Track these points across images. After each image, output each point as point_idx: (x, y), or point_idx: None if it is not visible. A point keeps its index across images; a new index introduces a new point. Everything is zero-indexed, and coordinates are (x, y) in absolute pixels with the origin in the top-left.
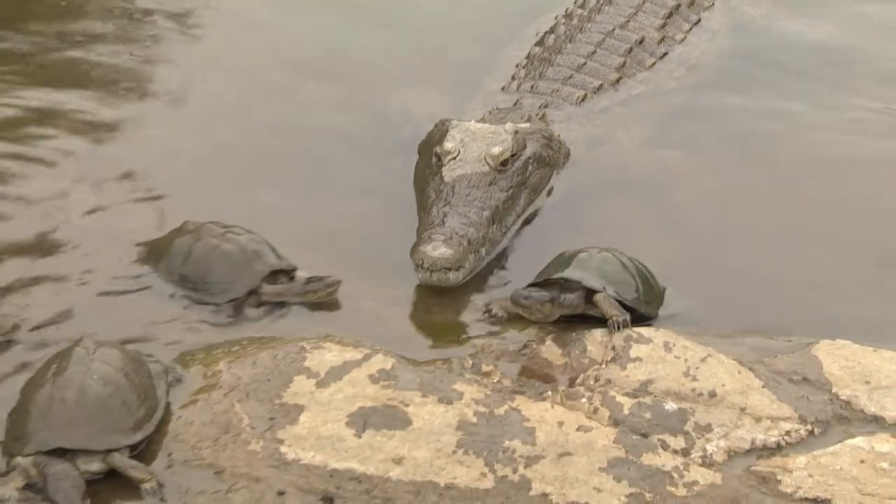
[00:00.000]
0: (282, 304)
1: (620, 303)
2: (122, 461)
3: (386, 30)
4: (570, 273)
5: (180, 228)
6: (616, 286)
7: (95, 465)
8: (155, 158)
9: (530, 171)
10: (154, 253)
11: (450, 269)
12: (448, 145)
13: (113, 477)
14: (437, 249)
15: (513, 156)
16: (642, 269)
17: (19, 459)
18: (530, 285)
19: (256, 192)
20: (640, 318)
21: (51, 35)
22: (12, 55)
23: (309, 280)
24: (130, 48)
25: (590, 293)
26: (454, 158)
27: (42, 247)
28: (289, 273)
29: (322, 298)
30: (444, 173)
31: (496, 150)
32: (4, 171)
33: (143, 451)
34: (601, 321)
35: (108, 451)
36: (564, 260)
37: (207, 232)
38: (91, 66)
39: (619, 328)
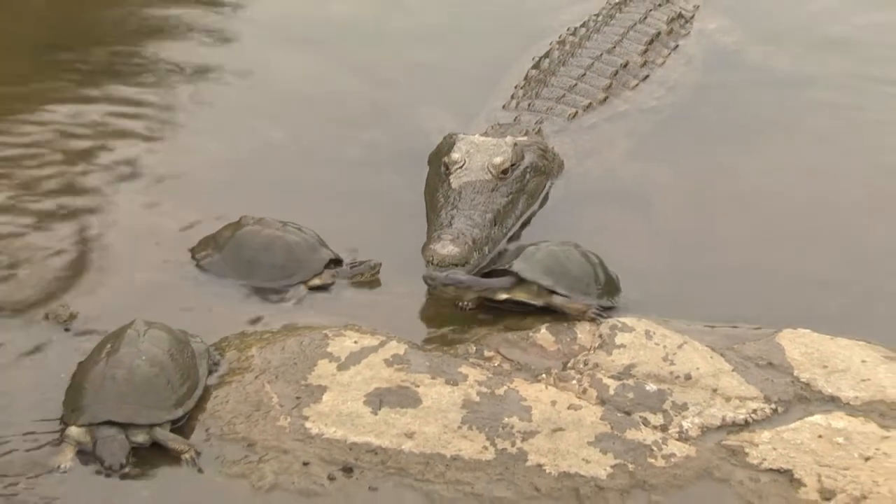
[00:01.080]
0: (313, 294)
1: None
2: (164, 434)
3: (406, 57)
4: (517, 265)
5: (239, 222)
6: (554, 278)
7: (140, 438)
8: (196, 165)
9: (528, 178)
10: (212, 243)
11: (456, 265)
12: (455, 156)
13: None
14: (446, 248)
15: (512, 165)
16: (590, 262)
17: (73, 429)
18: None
19: (287, 195)
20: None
21: (108, 53)
22: (74, 71)
23: (353, 265)
24: (176, 71)
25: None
26: (461, 167)
27: (96, 242)
28: (337, 262)
29: (368, 279)
30: (451, 181)
31: (498, 160)
32: (59, 173)
33: (184, 425)
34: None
35: (153, 426)
36: (514, 253)
37: (269, 224)
38: (143, 77)
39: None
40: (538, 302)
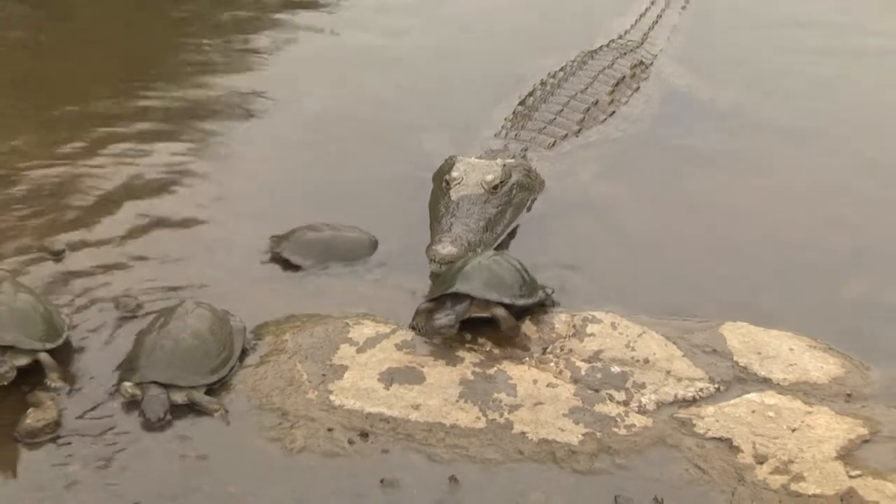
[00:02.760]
0: (336, 289)
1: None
2: (199, 396)
3: (416, 95)
4: (460, 287)
5: (311, 225)
6: (498, 290)
7: (179, 398)
8: (250, 186)
9: (514, 193)
10: (285, 239)
11: (454, 263)
12: (454, 174)
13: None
14: (446, 248)
15: (501, 182)
16: (517, 267)
17: (126, 384)
18: (428, 300)
19: (318, 210)
20: (519, 309)
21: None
22: (152, 110)
23: None
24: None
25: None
26: (459, 183)
27: (173, 245)
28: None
29: None
30: (451, 194)
31: (489, 177)
32: (140, 187)
33: (231, 395)
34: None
35: (190, 388)
36: (451, 276)
37: (334, 227)
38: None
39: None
40: (486, 314)
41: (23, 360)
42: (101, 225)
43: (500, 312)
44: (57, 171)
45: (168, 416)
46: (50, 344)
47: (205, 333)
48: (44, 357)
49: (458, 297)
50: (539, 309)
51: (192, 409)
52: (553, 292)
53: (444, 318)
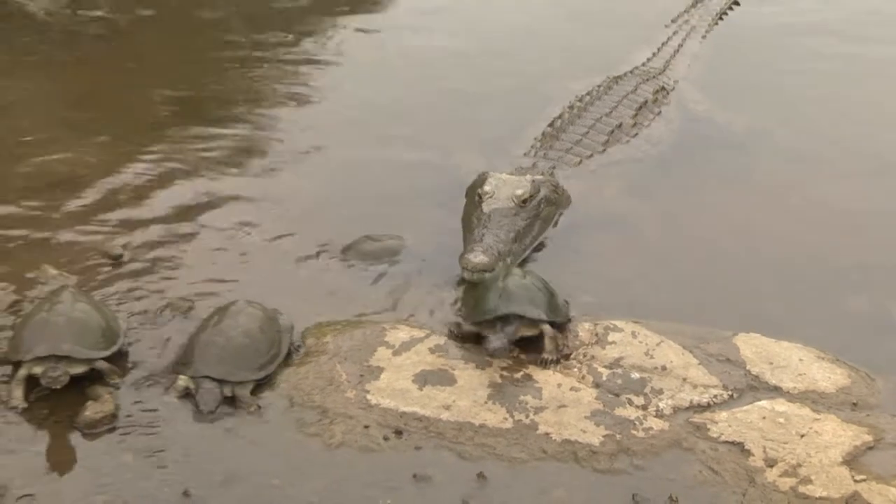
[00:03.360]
0: (371, 295)
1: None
2: (243, 392)
3: (451, 115)
4: (516, 309)
5: (369, 235)
6: (544, 309)
7: (229, 392)
8: (297, 193)
9: (542, 207)
10: (350, 248)
11: (485, 272)
12: (487, 188)
13: None
14: (478, 257)
15: (530, 196)
16: (548, 286)
17: (181, 377)
18: (474, 323)
19: (363, 222)
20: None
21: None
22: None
23: None
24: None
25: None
26: (491, 197)
27: (208, 251)
28: None
29: None
30: (483, 207)
31: (519, 191)
32: (192, 195)
33: (275, 393)
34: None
35: (239, 383)
36: (493, 295)
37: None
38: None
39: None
40: (534, 332)
41: (79, 368)
42: (156, 230)
43: (549, 330)
44: (117, 180)
45: (219, 409)
46: (105, 352)
47: (255, 331)
48: (100, 364)
49: (506, 319)
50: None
51: (235, 404)
52: (568, 304)
53: (498, 342)
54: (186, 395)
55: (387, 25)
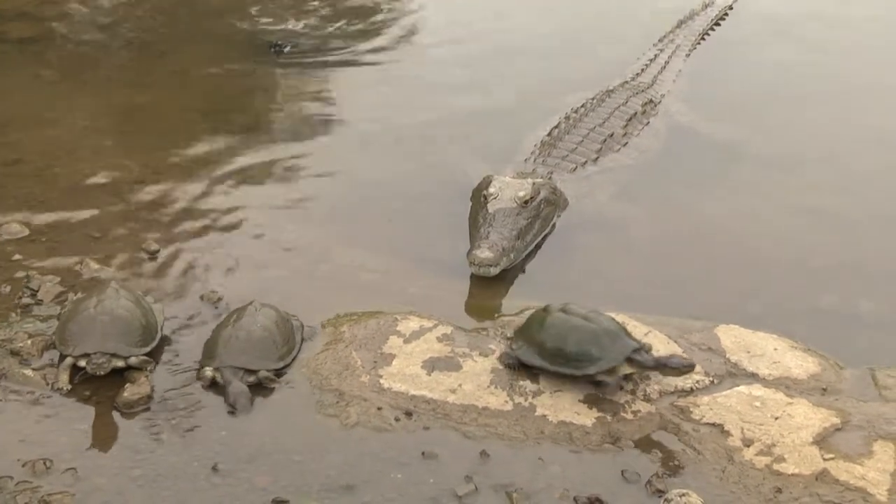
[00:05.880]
0: (378, 288)
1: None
2: (266, 377)
3: (457, 127)
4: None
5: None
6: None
7: (252, 378)
8: (322, 197)
9: (542, 208)
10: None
11: (490, 266)
12: (491, 190)
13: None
14: (483, 253)
15: (532, 197)
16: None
17: (207, 370)
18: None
19: (377, 223)
20: None
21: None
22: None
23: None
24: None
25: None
26: (495, 198)
27: (238, 249)
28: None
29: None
30: (488, 207)
31: (521, 193)
32: (224, 200)
33: (295, 378)
34: None
35: (260, 371)
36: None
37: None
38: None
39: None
40: (628, 370)
41: (120, 363)
42: (189, 230)
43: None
44: (157, 188)
45: (251, 403)
46: (145, 348)
47: (272, 327)
48: (140, 358)
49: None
50: None
51: (259, 388)
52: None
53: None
54: (213, 384)
55: (406, 55)
